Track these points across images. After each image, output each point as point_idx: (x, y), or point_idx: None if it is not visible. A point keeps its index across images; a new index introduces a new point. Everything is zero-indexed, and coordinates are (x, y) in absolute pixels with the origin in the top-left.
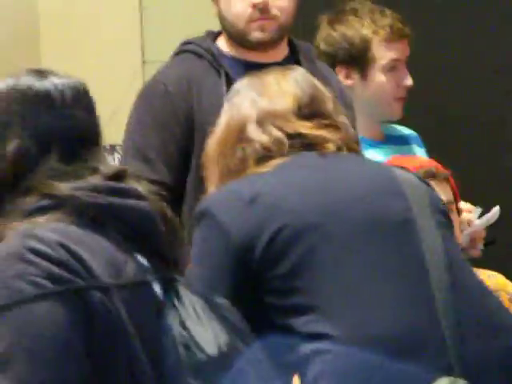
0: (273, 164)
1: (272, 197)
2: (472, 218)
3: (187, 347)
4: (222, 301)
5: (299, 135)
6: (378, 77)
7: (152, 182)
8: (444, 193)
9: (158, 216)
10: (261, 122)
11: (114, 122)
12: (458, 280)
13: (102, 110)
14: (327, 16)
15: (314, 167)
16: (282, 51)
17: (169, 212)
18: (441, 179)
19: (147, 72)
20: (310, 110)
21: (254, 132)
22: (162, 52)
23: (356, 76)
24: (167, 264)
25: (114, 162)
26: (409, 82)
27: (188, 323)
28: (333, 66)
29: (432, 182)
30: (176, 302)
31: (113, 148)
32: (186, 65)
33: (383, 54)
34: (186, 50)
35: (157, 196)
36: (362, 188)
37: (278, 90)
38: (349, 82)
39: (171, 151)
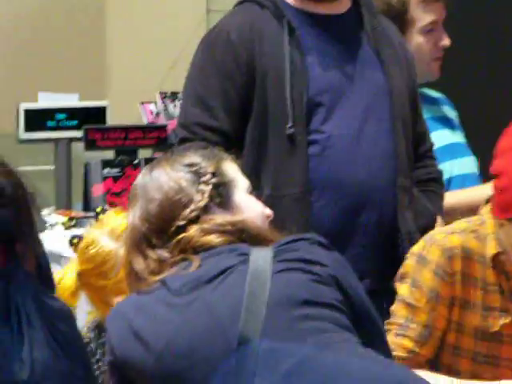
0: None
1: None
2: None
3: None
4: (58, 305)
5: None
6: (417, 38)
7: (211, 129)
8: None
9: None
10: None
11: (176, 69)
12: None
13: (165, 58)
14: None
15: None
16: (346, 3)
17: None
18: None
19: (211, 21)
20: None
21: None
22: (226, 1)
23: None
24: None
25: (174, 109)
26: (446, 42)
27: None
28: None
29: None
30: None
31: (174, 95)
32: (248, 14)
33: (421, 15)
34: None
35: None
36: (210, 326)
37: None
38: None
39: (232, 99)
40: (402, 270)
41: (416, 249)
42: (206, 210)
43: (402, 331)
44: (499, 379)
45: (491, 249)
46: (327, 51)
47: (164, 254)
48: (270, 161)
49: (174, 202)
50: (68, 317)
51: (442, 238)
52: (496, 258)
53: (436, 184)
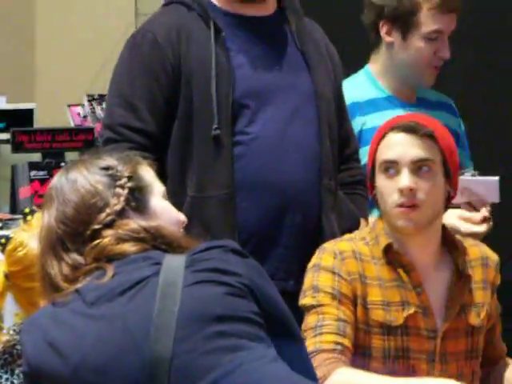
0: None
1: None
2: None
3: None
4: None
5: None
6: (418, 42)
7: (136, 130)
8: (423, 149)
9: None
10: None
11: (104, 72)
12: None
13: (93, 61)
14: None
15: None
16: (272, 5)
17: None
18: (421, 135)
19: (139, 24)
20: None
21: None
22: (155, 4)
23: (397, 35)
24: None
25: (102, 111)
26: (446, 54)
27: None
28: (379, 18)
29: (412, 137)
30: None
31: (101, 98)
32: (175, 15)
33: (429, 22)
34: (175, 0)
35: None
36: (131, 338)
37: None
38: (389, 38)
39: (157, 100)
40: (302, 288)
41: (310, 263)
42: (121, 214)
43: (317, 331)
44: (413, 372)
45: (383, 243)
46: (254, 53)
47: (78, 259)
48: (195, 162)
49: (89, 206)
50: None
51: (331, 245)
52: (389, 251)
53: (361, 187)
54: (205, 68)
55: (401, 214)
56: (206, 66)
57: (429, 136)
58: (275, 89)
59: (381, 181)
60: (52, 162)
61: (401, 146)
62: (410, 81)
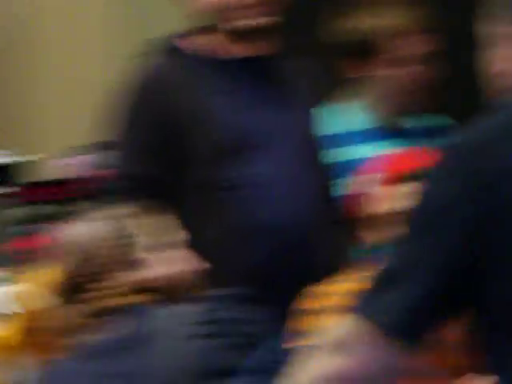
0: None
1: None
2: None
3: None
4: None
5: None
6: None
7: (139, 177)
8: None
9: None
10: None
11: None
12: None
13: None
14: None
15: None
16: (266, 45)
17: None
18: None
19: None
20: None
21: None
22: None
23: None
24: None
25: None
26: None
27: None
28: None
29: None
30: None
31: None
32: (168, 63)
33: None
34: (167, 48)
35: None
36: None
37: None
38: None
39: (156, 148)
40: None
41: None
42: (117, 266)
43: None
44: None
45: None
46: (243, 95)
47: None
48: (199, 208)
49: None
50: None
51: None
52: None
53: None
54: (194, 113)
55: None
56: (199, 112)
57: None
58: (273, 130)
59: None
60: None
61: None
62: None
